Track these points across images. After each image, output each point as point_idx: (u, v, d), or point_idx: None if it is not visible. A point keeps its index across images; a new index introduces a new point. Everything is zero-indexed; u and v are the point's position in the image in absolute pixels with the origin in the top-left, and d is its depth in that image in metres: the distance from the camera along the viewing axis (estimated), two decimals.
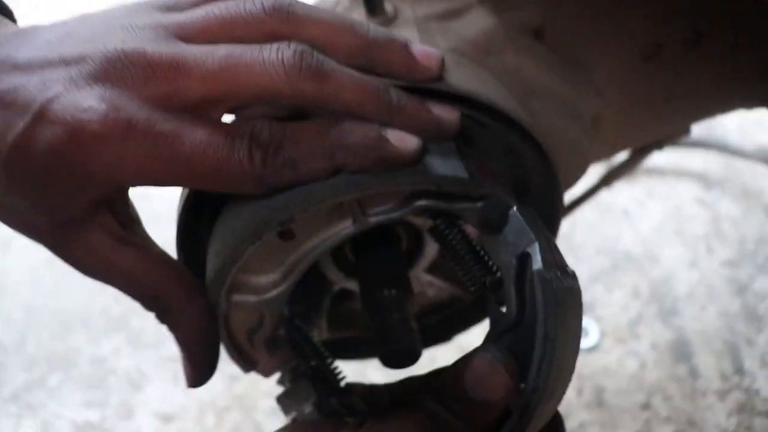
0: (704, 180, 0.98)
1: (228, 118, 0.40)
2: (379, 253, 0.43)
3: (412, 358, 0.42)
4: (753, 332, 0.84)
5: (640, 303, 0.86)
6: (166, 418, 0.80)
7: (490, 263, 0.39)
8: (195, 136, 0.37)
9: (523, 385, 0.35)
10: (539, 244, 0.36)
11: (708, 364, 0.81)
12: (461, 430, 0.37)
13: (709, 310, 0.86)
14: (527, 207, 0.38)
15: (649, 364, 0.81)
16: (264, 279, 0.42)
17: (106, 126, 0.36)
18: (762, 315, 0.85)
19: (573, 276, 0.37)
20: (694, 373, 0.81)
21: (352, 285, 0.46)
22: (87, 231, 0.39)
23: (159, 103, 0.37)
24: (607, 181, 0.66)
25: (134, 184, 0.39)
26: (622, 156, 0.72)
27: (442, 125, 0.39)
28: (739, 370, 0.80)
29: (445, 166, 0.38)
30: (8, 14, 0.44)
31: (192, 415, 0.79)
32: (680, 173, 0.99)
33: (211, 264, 0.41)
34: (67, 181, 0.37)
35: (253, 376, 0.47)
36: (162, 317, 0.42)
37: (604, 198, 0.96)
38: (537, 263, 0.35)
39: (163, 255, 0.42)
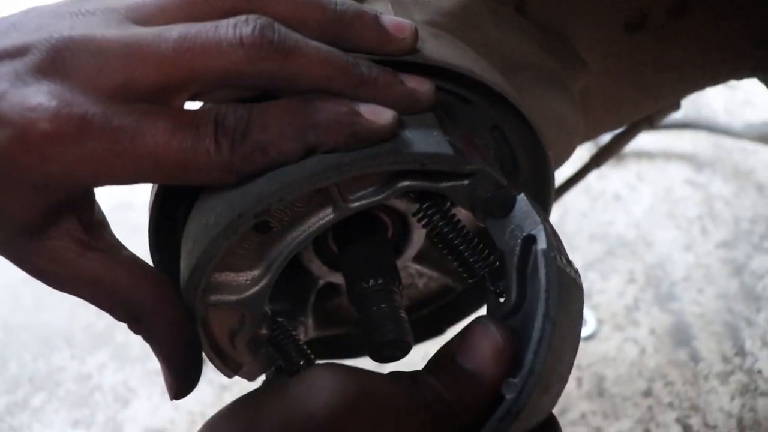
0: (694, 161, 0.97)
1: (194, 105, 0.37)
2: (364, 242, 0.41)
3: (404, 350, 0.39)
4: (752, 312, 0.82)
5: (637, 288, 0.85)
6: None
7: (486, 251, 0.37)
8: (157, 128, 0.34)
9: (515, 380, 0.33)
10: (544, 227, 0.34)
11: (708, 347, 0.80)
12: (449, 403, 0.34)
13: (706, 292, 0.84)
14: (525, 190, 0.36)
15: (649, 350, 0.79)
16: (242, 276, 0.39)
17: (59, 124, 0.33)
18: (760, 294, 0.83)
19: (576, 272, 0.36)
20: (695, 357, 0.79)
21: (338, 278, 0.44)
22: (49, 238, 0.37)
23: (114, 94, 0.34)
24: (597, 160, 0.65)
25: (96, 185, 0.36)
26: (609, 137, 0.70)
27: (416, 97, 0.37)
28: (740, 352, 0.79)
29: (427, 142, 0.36)
30: None
31: (182, 428, 0.77)
32: (670, 155, 0.97)
33: (185, 264, 0.39)
34: (21, 187, 0.35)
35: (245, 385, 0.44)
36: (136, 327, 0.39)
37: (595, 184, 0.95)
38: (542, 243, 0.34)
39: (132, 259, 0.39)
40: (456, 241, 0.37)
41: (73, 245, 0.37)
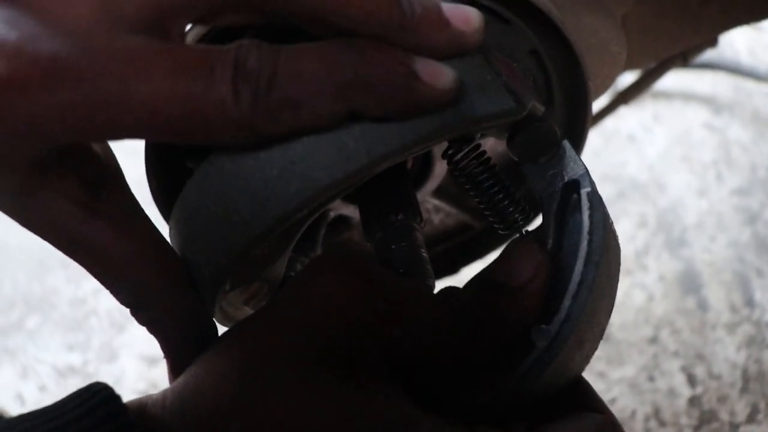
0: (713, 104, 0.93)
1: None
2: (383, 173, 0.38)
3: None
4: (764, 263, 0.80)
5: (647, 233, 0.83)
6: (151, 361, 0.76)
7: (518, 197, 0.34)
8: (154, 70, 0.27)
9: (548, 327, 0.31)
10: (588, 173, 0.31)
11: (717, 296, 0.78)
12: (481, 319, 0.31)
13: (718, 240, 0.82)
14: (558, 124, 0.33)
15: (657, 296, 0.78)
16: (259, 254, 0.34)
17: (20, 67, 0.26)
18: None
19: (616, 234, 0.33)
20: (702, 306, 0.78)
21: (351, 211, 0.41)
22: (44, 199, 0.30)
23: (96, 24, 0.27)
24: (626, 97, 0.61)
25: (74, 141, 0.29)
26: (629, 77, 0.67)
27: (464, 41, 0.30)
28: (749, 302, 0.77)
29: (488, 96, 0.29)
30: None
31: None
32: (688, 97, 0.94)
33: (198, 255, 0.31)
34: None
35: None
36: (137, 313, 0.32)
37: (609, 123, 0.91)
38: (587, 187, 0.31)
39: (144, 231, 0.32)
40: (492, 190, 0.34)
41: (73, 208, 0.30)
